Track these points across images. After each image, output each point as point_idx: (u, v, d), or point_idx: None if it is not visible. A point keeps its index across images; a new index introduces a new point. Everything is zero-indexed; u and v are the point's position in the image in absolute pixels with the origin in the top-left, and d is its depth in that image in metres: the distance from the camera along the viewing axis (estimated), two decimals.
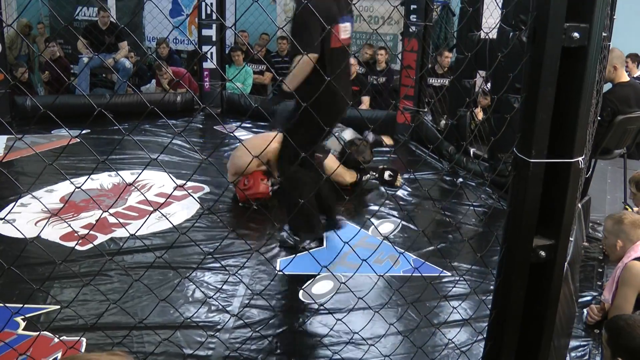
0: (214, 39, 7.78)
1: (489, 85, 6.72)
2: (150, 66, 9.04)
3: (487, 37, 5.38)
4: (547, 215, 1.70)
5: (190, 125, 7.43)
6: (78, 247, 3.83)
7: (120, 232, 4.08)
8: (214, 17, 7.72)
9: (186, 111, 7.83)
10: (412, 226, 4.40)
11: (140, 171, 2.11)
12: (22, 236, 3.75)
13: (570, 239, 3.11)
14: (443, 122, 6.80)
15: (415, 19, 6.66)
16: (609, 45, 4.26)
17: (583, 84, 1.60)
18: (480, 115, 6.66)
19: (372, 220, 4.50)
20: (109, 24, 8.19)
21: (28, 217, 4.29)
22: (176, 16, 10.22)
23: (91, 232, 3.99)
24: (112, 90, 8.59)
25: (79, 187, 1.79)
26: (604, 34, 3.16)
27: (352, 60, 7.64)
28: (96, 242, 3.93)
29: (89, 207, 4.47)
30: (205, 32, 7.87)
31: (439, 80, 7.40)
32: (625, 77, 4.85)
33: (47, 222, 4.15)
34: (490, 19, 5.84)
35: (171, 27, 9.73)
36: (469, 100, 5.83)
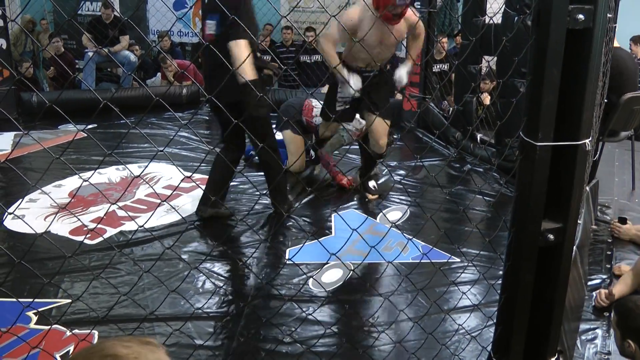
0: None
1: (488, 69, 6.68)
2: (155, 59, 9.04)
3: (491, 22, 5.34)
4: (555, 198, 1.70)
5: (196, 117, 7.44)
6: (88, 241, 3.85)
7: (129, 226, 4.10)
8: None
9: (192, 103, 7.85)
10: (420, 213, 4.40)
11: (147, 163, 2.11)
12: (32, 231, 3.81)
13: (579, 222, 3.10)
14: (448, 105, 6.78)
15: (419, 6, 6.62)
16: (615, 26, 4.23)
17: (589, 66, 1.59)
18: (487, 100, 6.62)
19: (380, 207, 4.50)
20: (113, 17, 8.20)
21: (37, 213, 4.31)
22: (180, 8, 10.21)
23: (100, 226, 4.01)
24: (117, 85, 8.60)
25: (87, 181, 1.80)
26: (609, 15, 3.14)
27: None
28: (105, 236, 3.95)
29: (98, 201, 4.49)
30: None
31: (438, 66, 7.37)
32: (617, 43, 4.87)
33: (56, 216, 4.17)
34: (495, 4, 5.81)
35: (174, 20, 9.73)
36: (474, 86, 5.80)
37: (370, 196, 4.74)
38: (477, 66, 5.89)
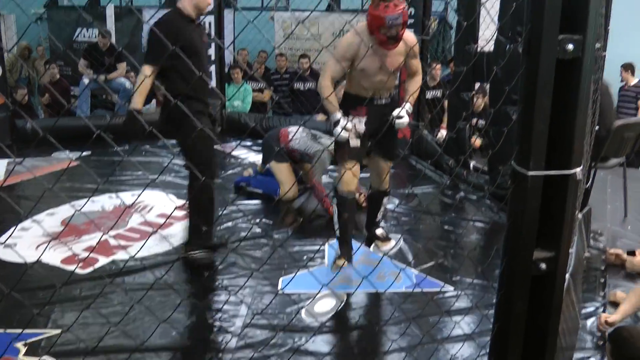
0: (213, 57, 7.81)
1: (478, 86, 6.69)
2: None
3: (483, 50, 5.39)
4: (547, 227, 1.70)
5: None
6: (79, 270, 3.82)
7: (121, 255, 4.07)
8: (213, 36, 7.76)
9: None
10: (413, 242, 4.39)
11: (140, 192, 2.11)
12: (23, 261, 3.79)
13: (571, 250, 3.09)
14: (442, 133, 6.81)
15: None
16: (604, 55, 4.28)
17: (579, 95, 1.60)
18: (475, 141, 6.61)
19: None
20: (109, 45, 8.25)
21: (29, 241, 4.28)
22: None
23: (92, 255, 3.99)
24: (112, 111, 8.62)
25: (79, 211, 1.79)
26: (597, 45, 3.18)
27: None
28: (98, 265, 3.92)
29: (91, 230, 4.46)
30: None
31: (431, 93, 7.41)
32: None
33: (47, 246, 4.13)
34: (487, 31, 5.86)
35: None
36: (466, 114, 5.83)
37: (381, 244, 4.31)
38: (469, 93, 5.92)
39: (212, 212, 3.94)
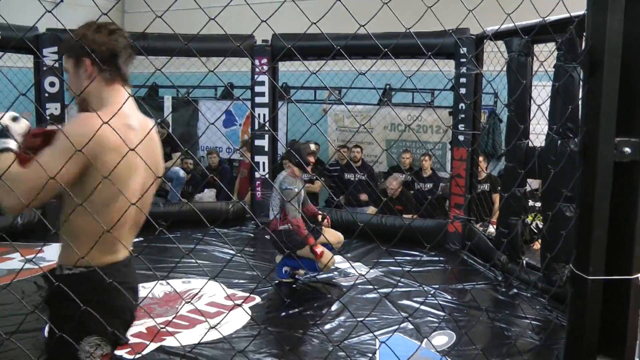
0: (266, 149, 7.98)
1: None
2: (204, 175, 9.29)
3: (534, 146, 5.38)
4: (610, 332, 1.64)
5: (241, 234, 7.49)
6: (127, 356, 3.83)
7: (170, 341, 4.07)
8: (267, 127, 7.95)
9: (238, 219, 7.93)
10: (467, 339, 4.27)
11: (200, 288, 2.13)
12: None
13: (637, 358, 2.96)
14: (492, 228, 6.74)
15: (463, 128, 6.74)
16: None
17: (638, 199, 1.58)
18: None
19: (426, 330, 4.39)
20: (166, 134, 8.56)
21: None
22: (230, 126, 10.57)
23: (141, 341, 4.01)
24: (165, 199, 8.83)
25: (138, 304, 1.82)
26: None
27: (394, 182, 7.65)
28: (146, 351, 3.92)
29: (140, 316, 4.48)
30: (257, 142, 8.09)
31: (480, 187, 7.34)
32: None
33: None
34: (538, 126, 5.88)
35: (224, 137, 10.10)
36: (524, 216, 5.76)
37: None
38: (522, 189, 5.87)
39: None
